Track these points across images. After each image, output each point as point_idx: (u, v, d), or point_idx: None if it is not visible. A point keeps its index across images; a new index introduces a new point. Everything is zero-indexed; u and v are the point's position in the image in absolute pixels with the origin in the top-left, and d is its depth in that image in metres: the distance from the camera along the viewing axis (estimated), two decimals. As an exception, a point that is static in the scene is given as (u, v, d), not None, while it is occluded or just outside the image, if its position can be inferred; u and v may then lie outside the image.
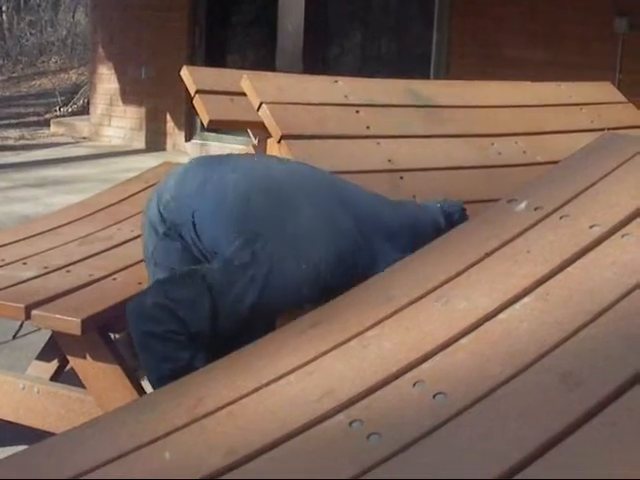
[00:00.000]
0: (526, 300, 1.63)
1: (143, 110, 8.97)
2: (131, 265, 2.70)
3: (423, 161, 3.07)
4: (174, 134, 8.71)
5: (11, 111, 12.17)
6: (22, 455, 1.50)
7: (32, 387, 2.59)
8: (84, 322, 2.26)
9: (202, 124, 4.87)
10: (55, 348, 2.81)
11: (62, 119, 10.82)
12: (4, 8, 17.05)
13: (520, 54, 7.07)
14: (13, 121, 11.23)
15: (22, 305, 2.34)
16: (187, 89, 3.40)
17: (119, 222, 3.17)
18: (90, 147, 9.23)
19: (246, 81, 3.03)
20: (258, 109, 2.97)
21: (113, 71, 9.20)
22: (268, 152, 3.11)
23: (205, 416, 1.54)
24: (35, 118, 11.53)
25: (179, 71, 3.48)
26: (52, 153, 9.01)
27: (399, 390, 1.48)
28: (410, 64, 7.79)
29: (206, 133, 8.35)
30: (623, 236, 1.76)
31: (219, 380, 1.65)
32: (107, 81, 9.32)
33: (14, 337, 4.18)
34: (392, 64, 8.18)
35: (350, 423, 1.43)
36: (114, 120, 9.31)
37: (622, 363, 1.40)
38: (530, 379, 1.43)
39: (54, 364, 2.89)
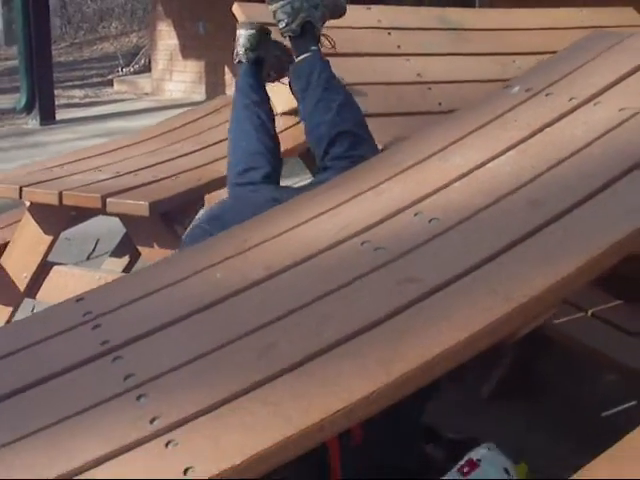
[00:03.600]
0: (510, 153, 2.00)
1: (202, 64, 9.36)
2: (190, 169, 3.10)
3: (449, 74, 3.42)
4: (232, 85, 9.07)
5: (75, 74, 12.62)
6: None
7: (107, 277, 2.99)
8: (151, 205, 2.67)
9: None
10: (125, 246, 3.22)
11: (124, 77, 11.27)
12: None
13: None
14: (77, 82, 11.70)
15: (98, 195, 2.76)
16: None
17: (182, 140, 3.58)
18: (152, 101, 9.67)
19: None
20: (299, 32, 3.34)
21: (172, 27, 9.61)
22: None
23: (250, 249, 1.94)
24: (98, 79, 11.97)
25: (235, 24, 3.83)
26: (116, 108, 9.46)
27: (402, 219, 1.86)
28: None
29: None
30: (595, 104, 2.11)
31: (263, 222, 2.05)
32: (167, 37, 9.74)
33: (88, 258, 4.65)
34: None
35: (362, 243, 1.82)
36: (175, 75, 9.73)
37: (577, 189, 1.76)
38: (505, 205, 1.80)
39: (125, 259, 3.31)
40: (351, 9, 3.84)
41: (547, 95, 2.24)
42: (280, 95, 3.76)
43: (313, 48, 2.81)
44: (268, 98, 2.94)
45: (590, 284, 2.74)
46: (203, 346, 1.58)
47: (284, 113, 3.72)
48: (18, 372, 1.71)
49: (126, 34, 15.31)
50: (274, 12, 2.80)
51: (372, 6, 3.68)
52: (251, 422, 1.35)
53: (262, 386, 1.42)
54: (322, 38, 2.97)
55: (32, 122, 8.41)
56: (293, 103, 3.71)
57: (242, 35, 2.94)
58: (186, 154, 3.36)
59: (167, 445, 1.35)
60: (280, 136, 3.51)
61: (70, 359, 1.68)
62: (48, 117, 8.41)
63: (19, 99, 8.68)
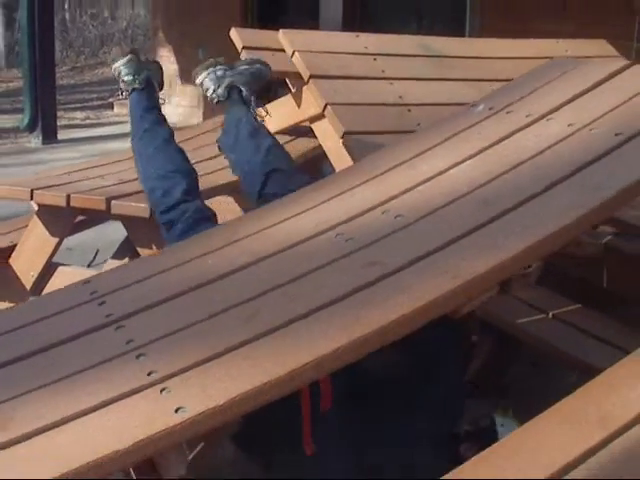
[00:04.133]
0: (470, 161, 2.27)
1: (201, 89, 9.65)
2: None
3: (429, 97, 3.70)
4: (229, 111, 9.37)
5: (76, 97, 12.91)
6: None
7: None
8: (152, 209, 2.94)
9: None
10: (125, 249, 3.49)
11: (124, 101, 11.50)
12: (66, 5, 17.82)
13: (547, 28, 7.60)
14: (78, 105, 11.98)
15: (103, 198, 3.02)
16: None
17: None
18: (151, 124, 9.94)
19: (282, 35, 3.69)
20: (292, 56, 3.63)
21: (172, 53, 9.90)
22: (303, 98, 3.78)
23: (238, 240, 2.21)
24: (99, 102, 12.24)
25: (234, 51, 4.10)
26: (116, 129, 9.73)
27: (371, 215, 2.13)
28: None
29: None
30: (548, 120, 2.38)
31: (252, 218, 2.31)
32: (167, 62, 10.01)
33: (88, 266, 4.90)
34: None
35: (335, 235, 2.09)
36: (173, 99, 10.00)
37: (523, 191, 2.03)
38: (461, 204, 2.07)
39: (125, 261, 3.56)
40: (341, 36, 4.18)
41: (507, 112, 2.51)
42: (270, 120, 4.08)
43: (241, 107, 3.05)
44: (164, 117, 3.16)
45: (551, 290, 3.02)
46: (195, 316, 1.84)
47: (276, 132, 4.00)
48: (28, 341, 1.95)
49: (126, 60, 15.52)
50: (201, 84, 3.03)
51: (360, 34, 3.97)
52: (234, 373, 1.61)
53: (244, 345, 1.68)
54: (258, 108, 3.18)
55: (35, 141, 8.65)
56: (284, 123, 4.01)
57: (120, 67, 3.11)
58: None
59: (162, 392, 1.60)
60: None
61: (77, 329, 1.93)
62: (50, 136, 8.66)
63: (22, 118, 8.94)
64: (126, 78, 3.07)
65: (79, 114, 11.09)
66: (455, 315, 1.80)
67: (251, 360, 1.63)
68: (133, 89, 3.09)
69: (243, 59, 3.32)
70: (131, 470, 1.65)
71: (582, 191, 1.95)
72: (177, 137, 4.10)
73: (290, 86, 4.23)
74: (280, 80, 4.02)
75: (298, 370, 1.58)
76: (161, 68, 3.27)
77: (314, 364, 1.59)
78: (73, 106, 11.79)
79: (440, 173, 2.24)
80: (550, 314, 2.97)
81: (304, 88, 3.74)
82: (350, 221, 2.13)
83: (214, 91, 3.01)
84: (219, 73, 3.00)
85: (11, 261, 3.43)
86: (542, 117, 2.40)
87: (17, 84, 14.16)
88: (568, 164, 2.09)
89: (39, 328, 2.01)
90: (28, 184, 3.24)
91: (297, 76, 3.73)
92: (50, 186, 3.21)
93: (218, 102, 3.05)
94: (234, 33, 4.12)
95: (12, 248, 3.50)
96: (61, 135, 9.04)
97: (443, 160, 2.31)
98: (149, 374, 1.66)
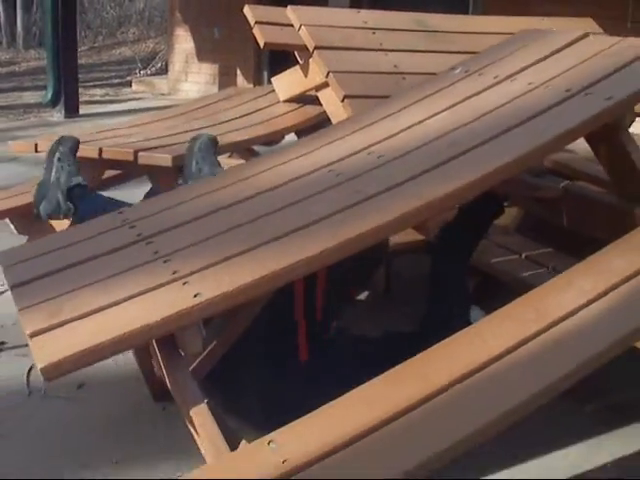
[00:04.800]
0: (443, 114, 2.69)
1: (216, 66, 10.08)
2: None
3: (421, 67, 4.08)
4: (244, 86, 9.79)
5: (94, 75, 13.28)
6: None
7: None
8: (174, 158, 3.36)
9: (269, 80, 5.84)
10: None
11: (142, 78, 11.96)
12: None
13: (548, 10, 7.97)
14: (97, 83, 12.38)
15: (132, 150, 3.45)
16: (255, 46, 4.42)
17: (198, 119, 4.28)
18: (169, 100, 10.34)
19: (290, 11, 4.10)
20: (298, 29, 4.04)
21: (189, 32, 10.32)
22: (310, 68, 4.18)
23: (245, 179, 2.63)
24: (117, 80, 12.63)
25: (248, 30, 4.48)
26: (135, 105, 10.14)
27: (359, 156, 2.57)
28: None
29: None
30: (512, 80, 2.80)
31: (257, 163, 2.73)
32: (184, 41, 10.45)
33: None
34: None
35: (328, 172, 2.51)
36: (190, 76, 10.43)
37: (483, 135, 2.44)
38: (432, 146, 2.49)
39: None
40: (344, 12, 4.59)
41: (479, 75, 2.93)
42: (281, 85, 4.49)
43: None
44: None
45: (524, 235, 3.43)
46: (212, 232, 2.27)
47: (285, 100, 4.43)
48: (71, 256, 2.37)
49: (143, 40, 15.90)
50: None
51: (361, 10, 4.39)
52: (242, 269, 2.04)
53: (250, 251, 2.11)
54: None
55: (57, 115, 9.08)
56: (292, 92, 4.42)
57: (59, 173, 3.10)
58: (201, 128, 4.04)
59: (183, 284, 2.03)
60: (283, 117, 4.24)
61: (112, 245, 2.36)
62: (72, 110, 9.08)
63: (45, 94, 9.36)
64: (63, 188, 3.07)
65: (98, 91, 11.48)
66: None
67: (255, 261, 2.06)
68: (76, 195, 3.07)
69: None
70: (155, 344, 2.06)
71: (529, 135, 2.37)
72: (195, 105, 4.55)
73: (298, 58, 4.63)
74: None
75: (291, 266, 2.01)
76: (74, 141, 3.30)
77: (304, 262, 2.02)
78: (92, 84, 12.16)
79: (417, 123, 2.66)
80: (523, 255, 3.37)
81: (310, 60, 4.14)
82: (341, 161, 2.55)
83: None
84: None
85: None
86: (507, 78, 2.81)
87: (35, 64, 14.63)
88: (523, 114, 2.50)
89: (80, 247, 2.43)
90: (63, 140, 3.67)
91: (304, 48, 4.13)
92: (84, 142, 3.63)
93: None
94: (247, 10, 4.51)
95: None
96: (82, 110, 9.45)
97: (421, 113, 2.73)
98: (173, 273, 2.09)
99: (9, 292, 2.29)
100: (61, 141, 3.19)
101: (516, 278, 3.24)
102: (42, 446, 2.63)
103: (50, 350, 1.86)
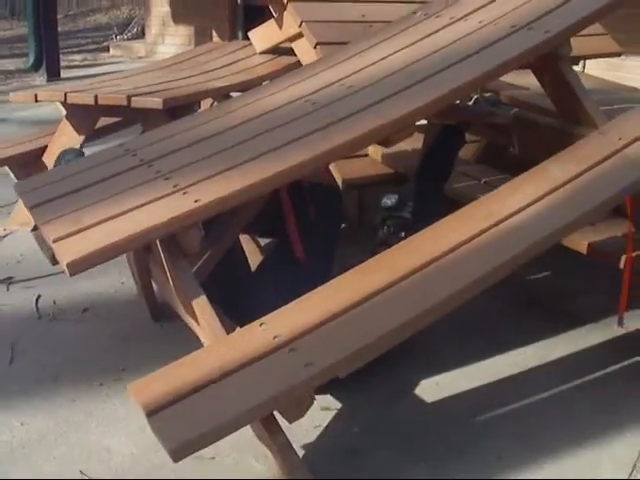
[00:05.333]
0: (404, 50, 3.06)
1: (192, 28, 10.36)
2: (191, 84, 4.13)
3: (386, 16, 4.41)
4: (219, 46, 10.08)
5: (71, 42, 13.39)
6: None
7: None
8: (164, 101, 3.69)
9: (244, 39, 6.05)
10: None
11: (120, 43, 12.19)
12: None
13: None
14: (75, 49, 12.56)
15: (125, 95, 3.78)
16: (230, 6, 4.68)
17: (183, 70, 4.61)
18: (147, 62, 10.60)
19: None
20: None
21: (164, -4, 10.62)
22: (284, 20, 4.49)
23: (233, 111, 2.97)
24: (95, 46, 12.80)
25: None
26: (114, 68, 10.38)
27: (332, 88, 2.94)
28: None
29: (246, 46, 9.74)
30: (465, 20, 3.16)
31: (244, 97, 3.08)
32: (159, 5, 10.73)
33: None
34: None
35: (304, 102, 2.86)
36: (167, 38, 10.72)
37: (436, 66, 2.80)
38: (394, 77, 2.85)
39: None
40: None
41: (437, 17, 3.29)
42: (257, 38, 4.81)
43: None
44: None
45: (485, 165, 3.80)
46: (205, 154, 2.63)
47: (262, 52, 4.75)
48: (81, 180, 2.69)
49: (117, 7, 16.01)
50: None
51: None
52: (234, 179, 2.40)
53: (240, 165, 2.46)
54: None
55: (40, 79, 9.34)
56: (268, 43, 4.74)
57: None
58: (186, 77, 4.38)
59: (183, 194, 2.38)
60: (260, 67, 4.57)
61: (116, 170, 2.69)
62: (54, 74, 9.35)
63: (26, 60, 9.62)
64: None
65: (77, 57, 11.66)
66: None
67: (245, 172, 2.42)
68: None
69: None
70: (159, 244, 2.40)
71: (478, 63, 2.74)
72: (179, 58, 4.88)
73: (272, 12, 4.95)
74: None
75: (275, 175, 2.37)
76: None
77: (283, 174, 2.38)
78: (70, 50, 12.32)
79: (383, 59, 3.02)
80: (482, 181, 3.73)
81: (284, 13, 4.46)
82: (315, 92, 2.91)
83: None
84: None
85: (44, 158, 4.17)
86: (461, 18, 3.17)
87: (10, 33, 14.78)
88: (474, 47, 2.87)
89: (87, 174, 2.76)
90: (62, 89, 3.99)
91: (278, 3, 4.45)
92: (79, 91, 3.95)
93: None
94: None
95: (44, 149, 4.24)
96: (63, 74, 9.69)
97: (386, 50, 3.09)
98: (174, 186, 2.44)
99: (9, 236, 2.57)
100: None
101: (475, 199, 3.60)
102: (57, 359, 2.99)
103: (74, 249, 2.20)
